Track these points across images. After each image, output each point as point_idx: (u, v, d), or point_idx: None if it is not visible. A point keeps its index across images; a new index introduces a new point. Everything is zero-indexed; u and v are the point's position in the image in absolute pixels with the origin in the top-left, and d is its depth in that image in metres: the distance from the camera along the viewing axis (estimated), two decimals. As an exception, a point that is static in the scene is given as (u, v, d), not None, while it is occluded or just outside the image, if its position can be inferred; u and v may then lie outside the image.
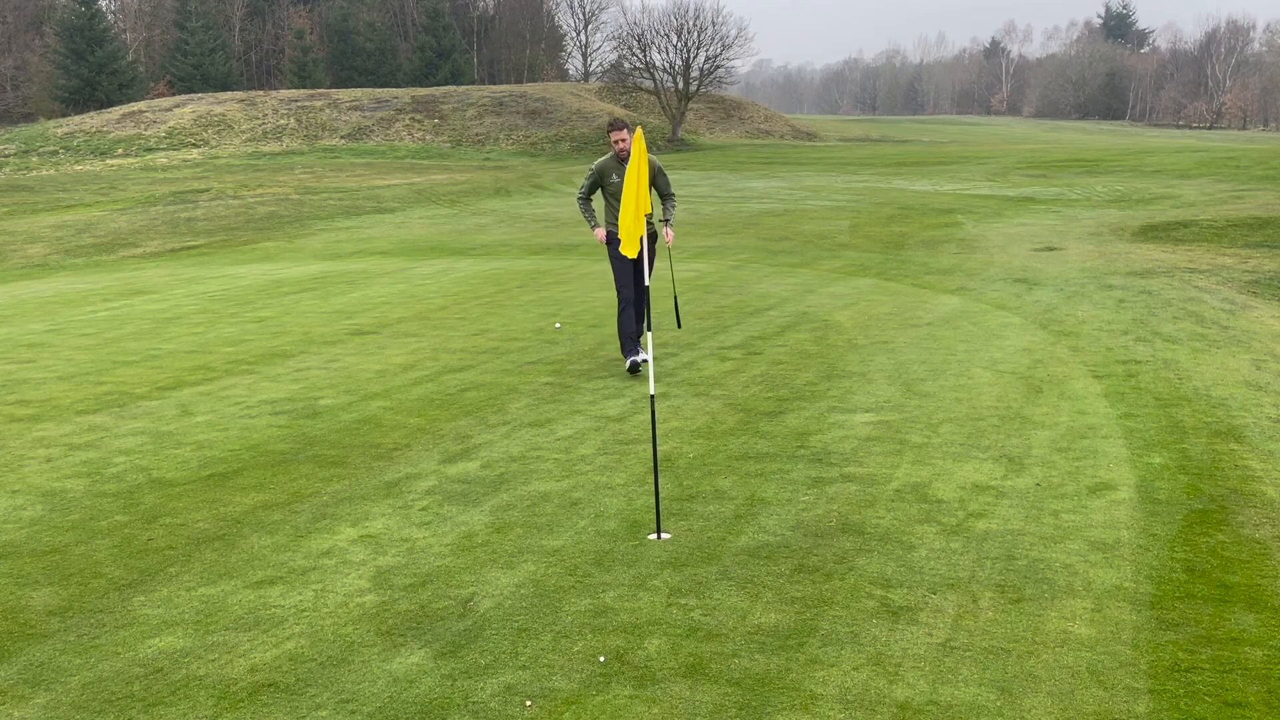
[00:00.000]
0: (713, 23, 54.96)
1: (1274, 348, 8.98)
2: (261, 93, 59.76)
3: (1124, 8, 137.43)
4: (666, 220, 8.26)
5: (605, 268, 16.48)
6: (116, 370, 9.34)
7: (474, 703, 3.51)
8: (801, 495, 5.50)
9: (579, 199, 8.73)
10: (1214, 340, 9.31)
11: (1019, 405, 7.24)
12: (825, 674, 3.64)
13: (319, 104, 55.48)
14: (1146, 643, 3.80)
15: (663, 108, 54.09)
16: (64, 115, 58.34)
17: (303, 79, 69.47)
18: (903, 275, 14.28)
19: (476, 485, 5.83)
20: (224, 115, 53.47)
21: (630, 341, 8.49)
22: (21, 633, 4.14)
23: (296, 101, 56.16)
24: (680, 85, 54.16)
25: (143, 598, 4.44)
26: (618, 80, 57.28)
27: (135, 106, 55.81)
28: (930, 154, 45.23)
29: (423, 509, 5.45)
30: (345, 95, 57.82)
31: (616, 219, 7.88)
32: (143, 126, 51.59)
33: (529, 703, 3.50)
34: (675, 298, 7.81)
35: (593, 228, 8.62)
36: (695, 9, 56.22)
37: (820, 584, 4.39)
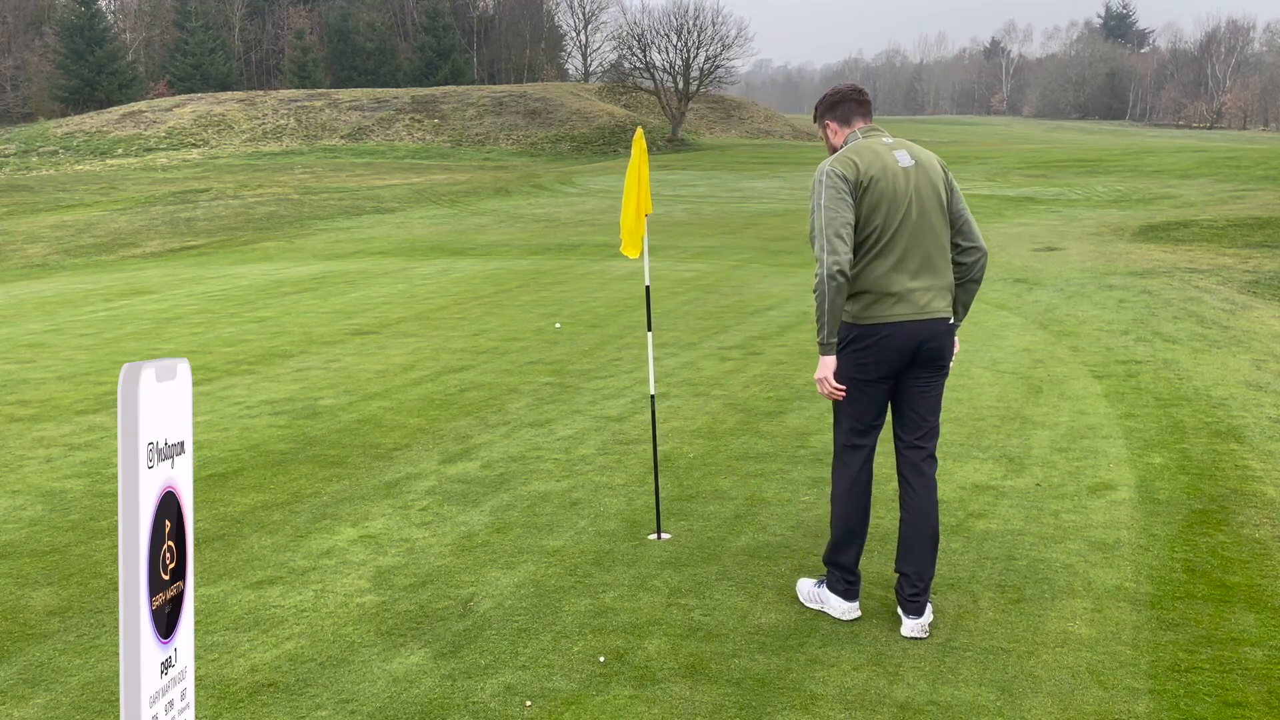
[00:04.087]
0: (713, 23, 54.97)
1: (1274, 348, 8.98)
2: (261, 93, 59.74)
3: (1124, 8, 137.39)
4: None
5: (605, 266, 16.46)
6: (116, 370, 9.34)
7: (474, 703, 3.51)
8: (801, 495, 5.50)
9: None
10: (1214, 340, 9.31)
11: (1019, 405, 7.24)
12: (825, 674, 3.64)
13: (319, 104, 55.46)
14: (1146, 643, 3.80)
15: (663, 108, 54.08)
16: (64, 115, 58.33)
17: (303, 79, 69.44)
18: (903, 275, 14.26)
19: (476, 485, 5.82)
20: (224, 115, 53.46)
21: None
22: (21, 633, 4.13)
23: (296, 101, 56.14)
24: (680, 85, 54.14)
25: (143, 598, 4.44)
26: (618, 80, 57.26)
27: (135, 106, 55.80)
28: (930, 154, 45.15)
29: (423, 509, 5.45)
30: (345, 95, 57.80)
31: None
32: (143, 126, 51.58)
33: (529, 703, 3.50)
34: None
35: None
36: (695, 9, 56.14)
37: (820, 584, 4.38)
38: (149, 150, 47.90)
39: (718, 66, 55.07)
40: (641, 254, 5.14)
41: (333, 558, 4.82)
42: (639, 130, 5.18)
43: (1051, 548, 4.71)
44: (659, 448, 6.13)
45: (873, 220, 3.84)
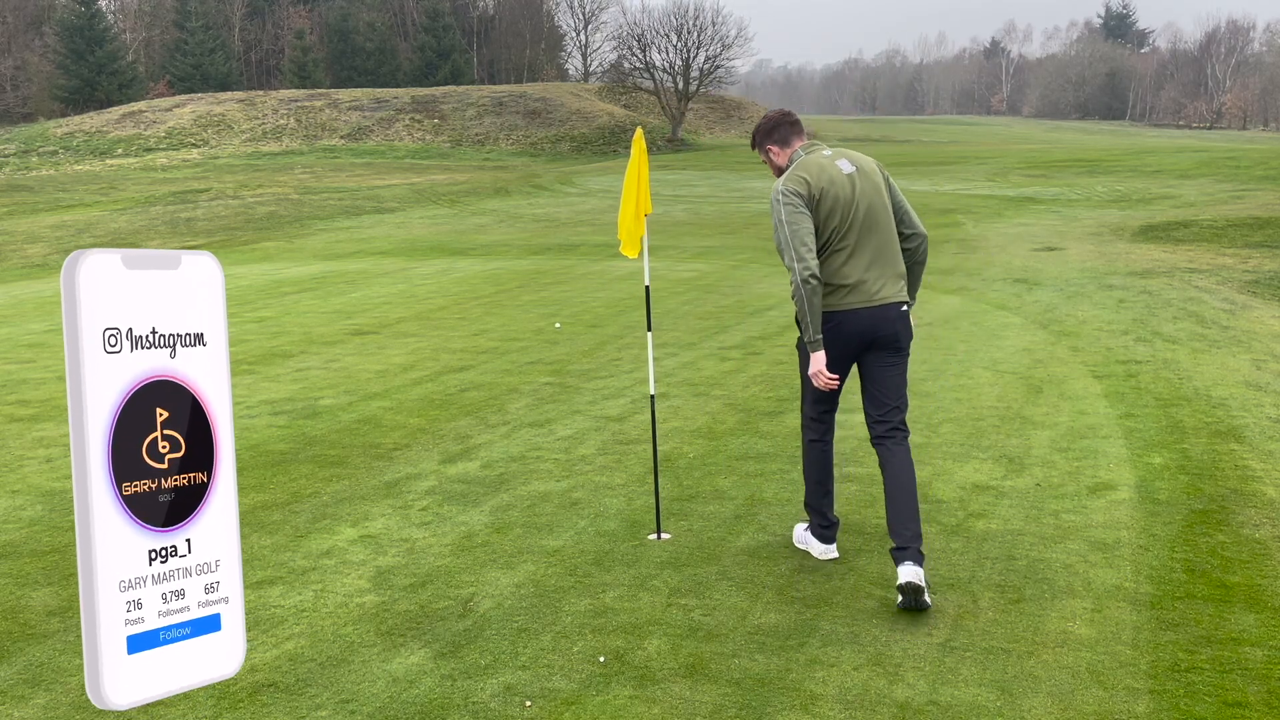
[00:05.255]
0: (712, 23, 55.01)
1: (1274, 348, 8.98)
2: (261, 93, 59.75)
3: (1124, 8, 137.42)
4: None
5: (605, 266, 16.47)
6: (116, 370, 9.34)
7: (474, 703, 3.51)
8: (801, 495, 5.49)
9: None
10: (1214, 340, 9.31)
11: (1019, 405, 7.24)
12: (825, 674, 3.64)
13: (319, 104, 55.46)
14: (1146, 643, 3.80)
15: (663, 108, 54.09)
16: (64, 115, 58.32)
17: (303, 79, 69.45)
18: (903, 275, 14.27)
19: (476, 485, 5.82)
20: (224, 115, 53.46)
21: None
22: (21, 633, 4.13)
23: (296, 101, 56.15)
24: (680, 85, 54.15)
25: (143, 598, 4.43)
26: (618, 80, 57.29)
27: (135, 106, 55.81)
28: (930, 154, 45.22)
29: (423, 509, 5.45)
30: (345, 95, 57.81)
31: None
32: (143, 126, 51.59)
33: (529, 703, 3.50)
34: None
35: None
36: (695, 9, 56.14)
37: (820, 584, 4.39)
38: (149, 150, 47.90)
39: (718, 66, 55.11)
40: (641, 254, 5.14)
41: (333, 558, 4.82)
42: (639, 130, 5.18)
43: (1051, 548, 4.71)
44: (659, 448, 6.13)
45: (828, 226, 4.28)
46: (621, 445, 6.55)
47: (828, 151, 4.42)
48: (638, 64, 54.87)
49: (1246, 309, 10.92)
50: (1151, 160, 36.36)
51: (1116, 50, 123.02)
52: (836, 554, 4.64)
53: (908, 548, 4.14)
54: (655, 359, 6.26)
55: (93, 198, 31.52)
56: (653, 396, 5.38)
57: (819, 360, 4.26)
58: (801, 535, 4.81)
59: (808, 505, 4.72)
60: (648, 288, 5.54)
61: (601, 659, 3.78)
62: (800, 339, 4.40)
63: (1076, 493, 5.43)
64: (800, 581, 4.42)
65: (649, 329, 5.53)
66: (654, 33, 54.60)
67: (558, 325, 11.03)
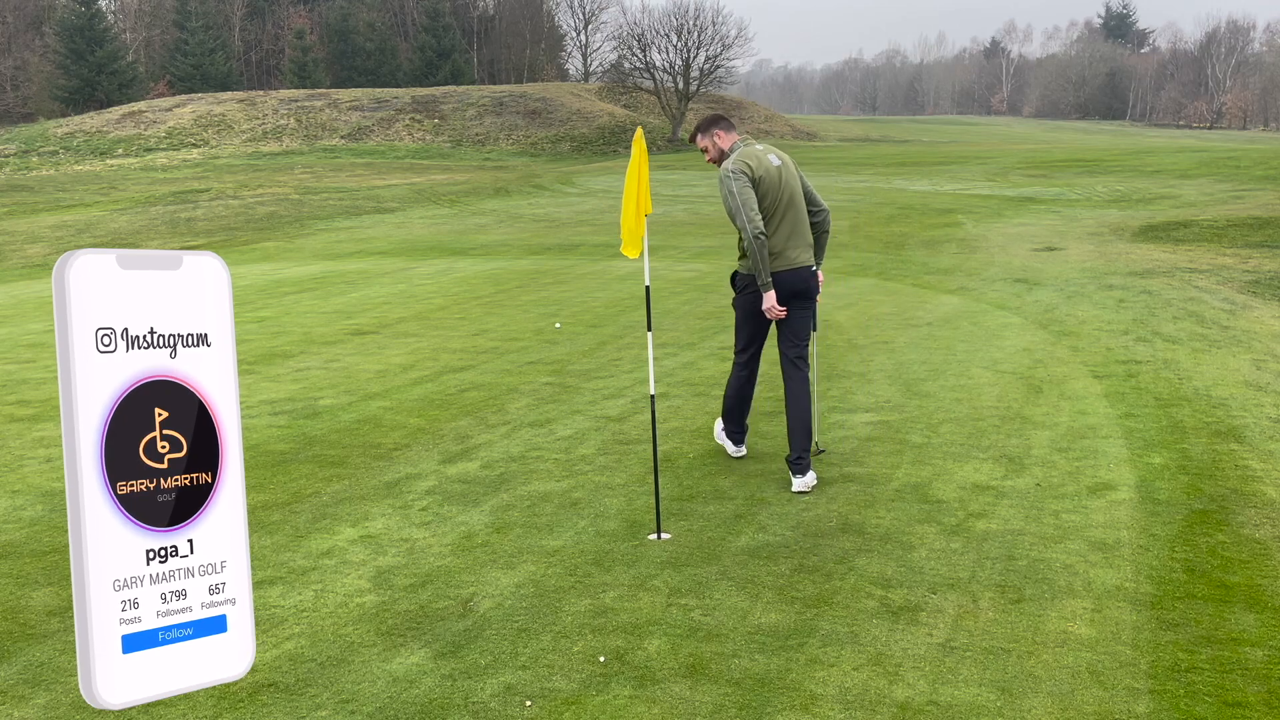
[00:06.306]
0: (713, 23, 54.95)
1: (1274, 348, 8.98)
2: (261, 93, 59.74)
3: (1124, 8, 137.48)
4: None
5: (605, 266, 16.47)
6: (116, 370, 9.32)
7: (474, 703, 3.51)
8: (802, 495, 5.50)
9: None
10: (1214, 340, 9.31)
11: (1019, 405, 7.24)
12: (825, 674, 3.64)
13: (319, 104, 55.46)
14: (1146, 643, 3.80)
15: (663, 108, 54.07)
16: (64, 115, 58.31)
17: (303, 79, 69.45)
18: (903, 275, 14.28)
19: (476, 485, 5.82)
20: (224, 115, 53.46)
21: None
22: (21, 633, 4.13)
23: (296, 101, 56.14)
24: (680, 85, 54.13)
25: (143, 598, 4.43)
26: (618, 80, 57.27)
27: (135, 106, 55.80)
28: (930, 154, 45.20)
29: (423, 509, 5.45)
30: (345, 95, 57.80)
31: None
32: (143, 126, 51.58)
33: (529, 703, 3.50)
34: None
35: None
36: (695, 9, 56.13)
37: (820, 584, 4.39)
38: (149, 150, 47.90)
39: (718, 67, 55.06)
40: (641, 254, 5.15)
41: (333, 558, 4.82)
42: (639, 130, 5.19)
43: (1051, 548, 4.71)
44: (659, 448, 6.12)
45: (762, 205, 5.53)
46: (621, 445, 6.55)
47: (760, 146, 5.71)
48: (638, 64, 54.84)
49: (1246, 309, 10.92)
50: (1151, 160, 36.36)
51: (1116, 50, 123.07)
52: (745, 452, 6.04)
53: (802, 458, 5.48)
54: (655, 359, 6.26)
55: (93, 198, 31.52)
56: (653, 396, 5.38)
57: (771, 298, 5.52)
58: (719, 434, 6.12)
59: (724, 414, 5.98)
60: (648, 288, 5.54)
61: (601, 659, 3.78)
62: (737, 297, 5.80)
63: (1076, 493, 5.43)
64: (800, 581, 4.42)
65: (649, 329, 5.53)
66: (654, 33, 54.58)
67: (558, 325, 11.03)
